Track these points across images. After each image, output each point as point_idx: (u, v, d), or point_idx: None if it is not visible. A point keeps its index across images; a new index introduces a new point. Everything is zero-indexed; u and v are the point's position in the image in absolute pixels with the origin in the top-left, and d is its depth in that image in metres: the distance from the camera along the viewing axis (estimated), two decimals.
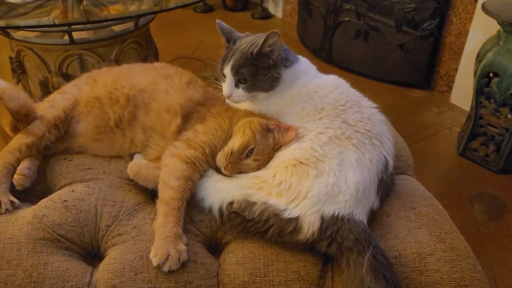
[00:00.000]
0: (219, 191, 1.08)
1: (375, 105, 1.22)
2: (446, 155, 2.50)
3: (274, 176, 1.05)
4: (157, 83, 1.27)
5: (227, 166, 1.09)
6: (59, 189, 1.16)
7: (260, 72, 1.15)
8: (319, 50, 3.43)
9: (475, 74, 2.32)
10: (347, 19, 3.21)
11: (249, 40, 1.19)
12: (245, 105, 1.25)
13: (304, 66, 1.27)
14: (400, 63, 3.09)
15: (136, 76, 1.30)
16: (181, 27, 4.12)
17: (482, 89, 2.28)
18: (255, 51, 1.14)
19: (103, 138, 1.26)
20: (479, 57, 2.31)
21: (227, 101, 1.29)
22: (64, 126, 1.25)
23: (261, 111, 1.24)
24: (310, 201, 1.00)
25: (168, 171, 1.09)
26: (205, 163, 1.13)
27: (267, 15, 4.32)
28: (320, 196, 1.00)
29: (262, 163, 1.12)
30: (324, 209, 0.99)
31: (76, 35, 2.19)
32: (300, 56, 1.30)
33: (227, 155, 1.10)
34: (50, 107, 1.26)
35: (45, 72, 2.30)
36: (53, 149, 1.27)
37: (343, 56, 3.31)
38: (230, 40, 1.22)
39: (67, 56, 2.23)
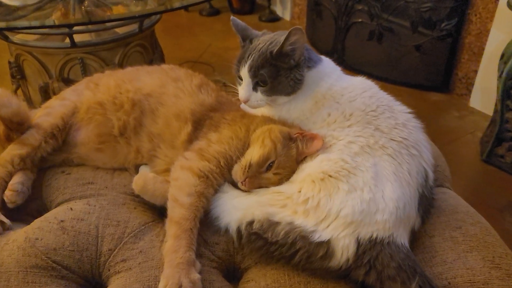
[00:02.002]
0: (237, 208, 0.95)
1: (409, 109, 1.09)
2: (470, 161, 2.35)
3: (300, 191, 0.92)
4: (165, 86, 1.15)
5: (244, 180, 0.96)
6: (56, 206, 1.04)
7: (281, 73, 1.02)
8: (331, 53, 3.30)
9: (500, 76, 2.18)
10: (360, 20, 3.08)
11: (268, 38, 1.07)
12: (263, 111, 1.12)
13: (329, 67, 1.14)
14: (416, 65, 2.96)
15: (142, 79, 1.18)
16: (187, 30, 4.01)
17: (508, 92, 2.13)
18: (275, 50, 1.01)
19: (106, 147, 1.13)
20: (504, 58, 2.17)
21: (242, 106, 1.17)
22: (62, 135, 1.13)
23: (281, 117, 1.11)
24: (343, 221, 0.87)
25: (178, 186, 0.96)
26: (220, 177, 1.00)
27: (274, 18, 4.21)
28: (354, 215, 0.87)
29: (284, 177, 0.99)
30: (360, 231, 0.86)
31: (77, 38, 2.07)
32: (323, 56, 1.17)
33: (245, 168, 0.97)
34: (46, 115, 1.13)
35: (45, 77, 2.19)
36: (50, 161, 1.14)
37: (356, 59, 3.18)
38: (246, 38, 1.09)
39: (68, 60, 2.12)
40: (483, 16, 2.64)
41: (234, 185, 1.00)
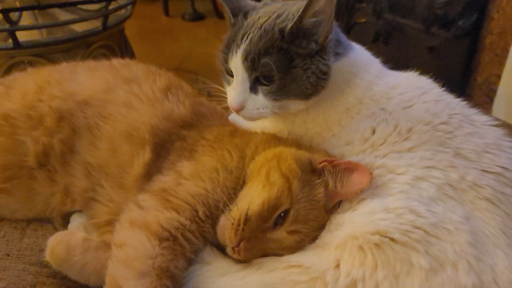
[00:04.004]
0: None
1: (494, 121, 0.70)
2: None
3: (338, 266, 0.52)
4: (113, 90, 0.75)
5: (238, 245, 0.56)
6: None
7: (296, 63, 0.64)
8: None
9: None
10: (363, 19, 2.73)
11: (273, 10, 0.68)
12: (265, 124, 0.72)
13: (364, 56, 0.77)
14: (429, 70, 2.57)
15: (78, 79, 0.78)
16: (168, 36, 3.63)
17: None
18: (289, 25, 0.62)
19: (15, 187, 0.73)
20: None
21: (232, 118, 0.77)
22: None
23: (294, 134, 0.71)
24: None
25: (123, 258, 0.56)
26: (197, 237, 0.61)
27: None
28: None
29: (307, 237, 0.60)
30: None
31: (23, 36, 1.65)
32: (353, 42, 0.78)
33: (239, 224, 0.57)
34: None
35: None
36: None
37: None
38: (238, 11, 0.70)
39: (12, 64, 1.70)
40: (507, 12, 2.31)
41: (222, 250, 0.60)
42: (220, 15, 4.04)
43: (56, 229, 0.71)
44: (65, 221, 0.73)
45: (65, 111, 0.72)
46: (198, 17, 4.01)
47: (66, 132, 0.72)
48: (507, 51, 2.33)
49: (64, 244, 0.60)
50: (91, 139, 0.71)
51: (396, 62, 2.87)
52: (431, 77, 2.56)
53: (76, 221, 0.72)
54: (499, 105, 2.42)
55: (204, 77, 0.81)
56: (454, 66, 2.54)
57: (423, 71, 2.40)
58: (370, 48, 2.53)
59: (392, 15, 2.59)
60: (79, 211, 0.73)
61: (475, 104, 2.22)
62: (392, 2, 2.57)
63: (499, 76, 2.40)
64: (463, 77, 2.57)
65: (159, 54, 3.23)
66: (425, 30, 2.51)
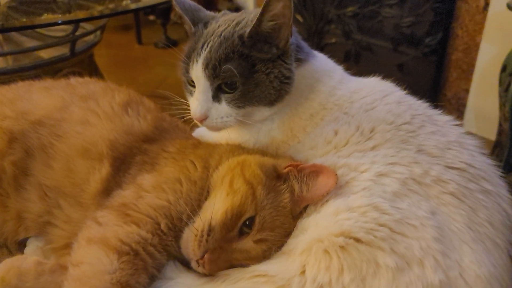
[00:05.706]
0: None
1: (456, 121, 0.71)
2: None
3: (303, 272, 0.51)
4: (68, 108, 0.73)
5: (202, 257, 0.54)
6: None
7: (257, 68, 0.63)
8: None
9: (506, 90, 1.86)
10: (333, 40, 2.78)
11: (232, 18, 0.68)
12: (231, 135, 0.71)
13: (326, 63, 0.76)
14: (399, 86, 2.63)
15: (32, 98, 0.75)
16: (141, 63, 3.63)
17: None
18: (248, 31, 0.61)
19: None
20: (508, 69, 1.86)
21: (196, 133, 0.76)
22: None
23: (260, 143, 0.70)
24: None
25: (79, 276, 0.53)
26: (160, 252, 0.58)
27: None
28: None
29: (274, 245, 0.57)
30: None
31: None
32: (314, 51, 0.78)
33: (202, 235, 0.55)
34: None
35: None
36: None
37: None
38: (198, 21, 0.70)
39: None
40: (470, 28, 2.38)
41: (186, 263, 0.58)
42: None
43: (11, 253, 0.67)
44: (21, 246, 0.69)
45: (17, 131, 0.69)
46: (171, 44, 4.03)
47: (19, 153, 0.68)
48: (473, 66, 2.40)
49: (15, 271, 0.56)
50: (45, 159, 0.67)
51: None
52: None
53: (33, 245, 0.68)
54: (469, 119, 2.47)
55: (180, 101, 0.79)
56: (424, 82, 2.59)
57: None
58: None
59: (361, 35, 2.65)
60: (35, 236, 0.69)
61: None
62: (360, 23, 2.63)
63: (467, 91, 2.46)
64: (433, 93, 2.62)
65: (132, 82, 3.21)
66: (393, 49, 2.57)
